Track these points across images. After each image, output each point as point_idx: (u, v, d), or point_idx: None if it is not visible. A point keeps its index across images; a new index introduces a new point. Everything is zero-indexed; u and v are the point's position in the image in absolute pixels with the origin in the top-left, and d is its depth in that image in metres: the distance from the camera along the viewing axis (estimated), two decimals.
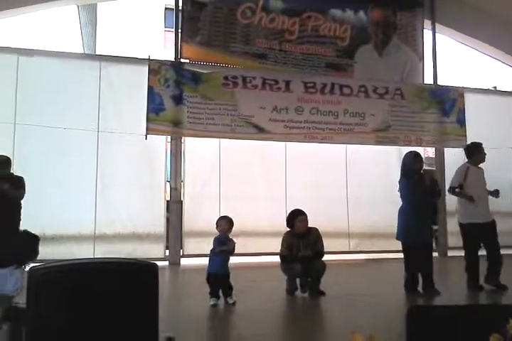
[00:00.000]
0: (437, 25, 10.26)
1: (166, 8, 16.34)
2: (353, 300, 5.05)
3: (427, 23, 10.18)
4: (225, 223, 4.88)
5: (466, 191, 5.60)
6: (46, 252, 8.02)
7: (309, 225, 5.36)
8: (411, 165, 5.41)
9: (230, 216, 5.02)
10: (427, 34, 10.22)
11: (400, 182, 5.52)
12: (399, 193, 5.52)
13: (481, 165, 5.87)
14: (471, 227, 5.54)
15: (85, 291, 2.27)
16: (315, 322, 4.31)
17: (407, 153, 5.60)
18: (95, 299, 2.28)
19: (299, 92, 8.91)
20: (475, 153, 5.84)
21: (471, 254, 5.56)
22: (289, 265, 5.21)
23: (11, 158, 6.59)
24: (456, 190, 5.69)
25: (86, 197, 8.14)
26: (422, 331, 2.11)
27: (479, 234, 5.54)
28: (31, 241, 3.19)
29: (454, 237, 9.99)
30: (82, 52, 17.65)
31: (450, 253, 9.56)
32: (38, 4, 8.55)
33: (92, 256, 7.59)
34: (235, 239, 4.92)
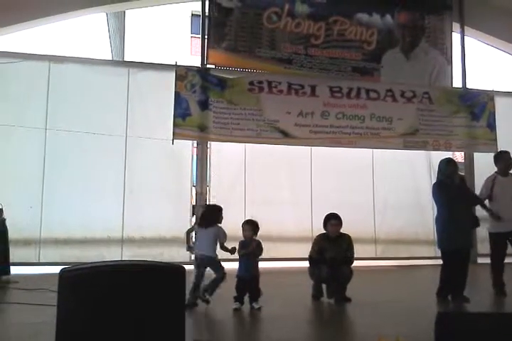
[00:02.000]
0: (466, 28, 10.09)
1: (192, 15, 16.54)
2: (379, 306, 4.98)
3: (456, 25, 10.02)
4: (249, 227, 4.87)
5: (494, 202, 5.72)
6: (75, 255, 8.20)
7: None
8: (443, 171, 5.38)
9: (255, 219, 5.02)
10: (456, 37, 10.07)
11: (433, 188, 5.51)
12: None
13: None
14: (496, 236, 5.65)
15: (115, 292, 2.31)
16: (341, 328, 4.27)
17: (441, 160, 5.58)
18: (124, 300, 2.32)
19: (324, 97, 8.88)
20: (497, 161, 5.93)
21: (494, 262, 5.64)
22: (316, 268, 5.18)
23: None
24: (485, 202, 5.80)
25: (114, 201, 8.26)
26: (451, 338, 2.07)
27: (506, 242, 5.64)
28: (219, 210, 5.04)
29: (484, 244, 9.83)
30: (111, 58, 17.97)
31: (480, 260, 9.35)
32: (68, 12, 8.74)
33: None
34: (260, 240, 4.90)
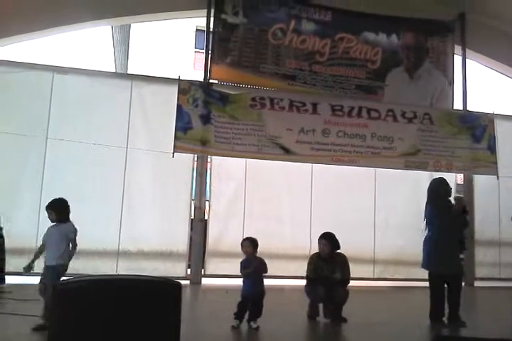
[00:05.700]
0: (467, 51, 10.19)
1: (196, 30, 16.68)
2: (375, 328, 4.92)
3: (458, 48, 10.13)
4: (248, 244, 4.83)
5: None
6: (70, 266, 8.10)
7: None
8: (437, 190, 5.36)
9: (254, 236, 4.98)
10: (457, 59, 10.17)
11: (425, 208, 5.46)
12: (424, 221, 5.45)
13: None
14: None
15: (109, 306, 2.28)
16: None
17: (433, 179, 5.58)
18: (119, 314, 2.28)
19: (326, 115, 8.90)
20: None
21: None
22: (312, 287, 5.13)
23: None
24: None
25: (112, 213, 8.21)
26: None
27: None
28: None
29: (483, 267, 9.76)
30: (115, 71, 18.06)
31: (477, 283, 9.30)
32: (74, 24, 8.80)
33: (114, 273, 7.62)
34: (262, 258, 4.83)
